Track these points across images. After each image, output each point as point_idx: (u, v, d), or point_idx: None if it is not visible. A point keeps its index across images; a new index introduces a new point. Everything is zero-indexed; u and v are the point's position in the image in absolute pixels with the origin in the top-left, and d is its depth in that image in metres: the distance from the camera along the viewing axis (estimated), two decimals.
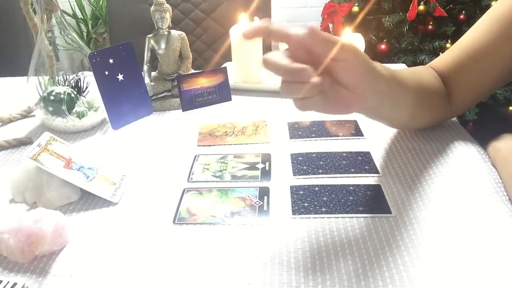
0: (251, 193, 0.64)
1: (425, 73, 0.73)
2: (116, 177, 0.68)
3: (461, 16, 1.68)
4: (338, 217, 0.58)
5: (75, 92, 0.85)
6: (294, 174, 0.68)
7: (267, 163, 0.71)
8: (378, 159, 0.71)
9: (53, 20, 0.82)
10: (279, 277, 0.49)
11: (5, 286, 0.49)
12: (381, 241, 0.54)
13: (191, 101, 0.91)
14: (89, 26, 2.63)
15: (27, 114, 0.93)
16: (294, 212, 0.59)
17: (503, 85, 0.73)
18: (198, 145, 0.78)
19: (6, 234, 0.54)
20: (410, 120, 0.72)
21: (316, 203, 0.61)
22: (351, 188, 0.64)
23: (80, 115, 0.84)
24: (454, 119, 0.81)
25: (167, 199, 0.64)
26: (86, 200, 0.64)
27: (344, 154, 0.72)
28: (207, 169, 0.70)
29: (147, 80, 0.92)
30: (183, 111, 0.91)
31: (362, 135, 0.78)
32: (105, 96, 0.82)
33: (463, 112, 0.79)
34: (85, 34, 2.65)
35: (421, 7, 1.68)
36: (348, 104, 0.54)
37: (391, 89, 0.61)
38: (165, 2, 0.91)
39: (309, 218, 0.58)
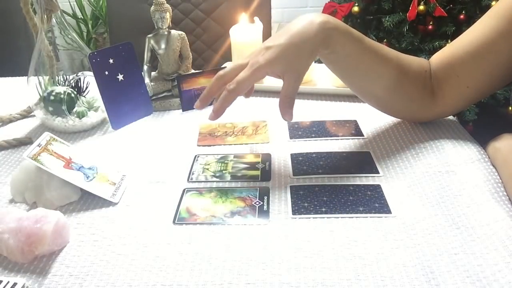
0: (251, 193, 0.64)
1: (414, 60, 0.73)
2: (116, 177, 0.68)
3: (461, 16, 1.68)
4: (338, 217, 0.58)
5: (75, 92, 0.85)
6: (294, 174, 0.68)
7: (267, 163, 0.71)
8: (378, 159, 0.71)
9: (53, 20, 0.83)
10: (279, 277, 0.49)
11: (5, 286, 0.49)
12: (381, 241, 0.54)
13: (191, 101, 0.91)
14: (89, 26, 2.63)
15: (27, 114, 0.93)
16: (294, 212, 0.59)
17: (497, 86, 0.72)
18: (198, 145, 0.78)
19: (6, 234, 0.54)
20: (387, 98, 0.74)
21: (316, 203, 0.61)
22: (351, 188, 0.64)
23: (80, 115, 0.84)
24: (454, 119, 0.81)
25: (167, 199, 0.64)
26: (86, 200, 0.64)
27: (344, 154, 0.72)
28: (207, 169, 0.70)
29: (147, 80, 0.92)
30: (183, 111, 0.91)
31: (362, 135, 0.78)
32: (105, 96, 0.82)
33: (455, 112, 0.77)
34: (85, 34, 2.66)
35: (421, 7, 1.68)
36: None
37: (356, 50, 0.68)
38: (165, 2, 0.91)
39: (309, 218, 0.58)
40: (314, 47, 0.64)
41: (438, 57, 0.74)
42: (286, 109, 0.65)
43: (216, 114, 0.67)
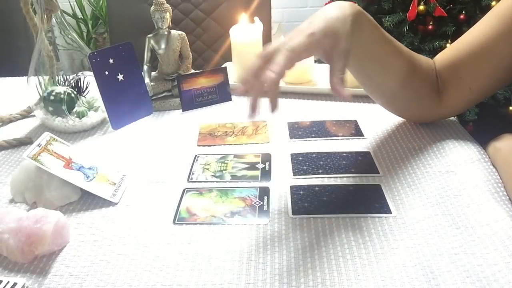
0: (251, 193, 0.64)
1: (423, 58, 0.73)
2: (116, 177, 0.68)
3: (461, 16, 1.68)
4: (338, 217, 0.58)
5: (75, 92, 0.85)
6: (294, 174, 0.68)
7: (267, 163, 0.71)
8: (378, 159, 0.71)
9: (53, 20, 0.83)
10: (279, 277, 0.49)
11: (5, 286, 0.49)
12: (381, 241, 0.54)
13: (191, 101, 0.91)
14: (89, 26, 2.63)
15: (27, 114, 0.93)
16: (294, 212, 0.59)
17: (499, 87, 0.72)
18: (198, 145, 0.78)
19: (6, 234, 0.54)
20: (397, 93, 0.72)
21: (316, 203, 0.61)
22: (351, 188, 0.64)
23: (80, 115, 0.84)
24: (454, 119, 0.81)
25: (167, 199, 0.64)
26: (86, 200, 0.64)
27: (344, 154, 0.72)
28: (207, 169, 0.70)
29: (147, 80, 0.92)
30: (183, 111, 0.91)
31: (362, 135, 0.78)
32: (105, 96, 0.82)
33: (457, 113, 0.78)
34: (85, 34, 2.65)
35: (421, 7, 1.68)
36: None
37: (377, 37, 0.67)
38: (165, 2, 0.91)
39: (309, 218, 0.58)
40: (352, 22, 0.60)
41: (441, 58, 0.74)
42: (340, 86, 0.56)
43: (274, 87, 0.55)
